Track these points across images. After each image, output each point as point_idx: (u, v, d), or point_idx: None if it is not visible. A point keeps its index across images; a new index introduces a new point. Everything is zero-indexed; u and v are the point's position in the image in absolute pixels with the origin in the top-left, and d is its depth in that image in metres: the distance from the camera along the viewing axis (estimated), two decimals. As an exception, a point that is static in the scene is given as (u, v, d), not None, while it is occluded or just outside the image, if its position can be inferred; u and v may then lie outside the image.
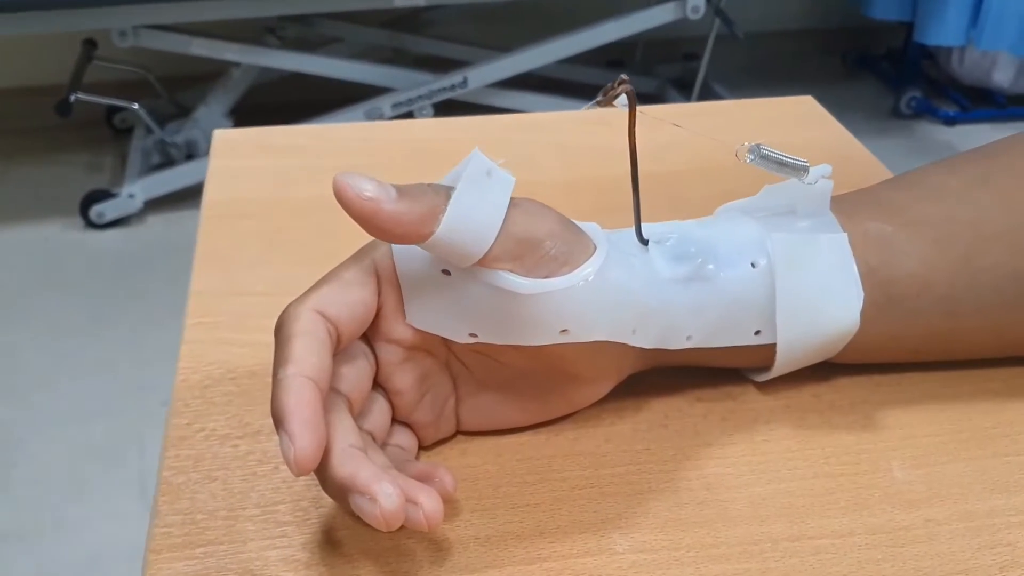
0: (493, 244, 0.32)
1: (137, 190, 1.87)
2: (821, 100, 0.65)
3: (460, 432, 0.38)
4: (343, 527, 0.34)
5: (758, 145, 0.36)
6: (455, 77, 1.92)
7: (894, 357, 0.41)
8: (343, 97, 1.92)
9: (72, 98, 1.83)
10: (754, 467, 0.37)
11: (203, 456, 0.37)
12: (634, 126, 0.34)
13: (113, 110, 2.13)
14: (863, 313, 0.37)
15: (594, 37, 1.93)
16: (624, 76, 0.32)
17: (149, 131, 1.96)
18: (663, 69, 2.29)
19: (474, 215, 0.32)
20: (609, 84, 0.32)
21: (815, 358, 0.39)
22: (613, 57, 2.27)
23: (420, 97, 1.91)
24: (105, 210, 1.86)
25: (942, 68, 2.34)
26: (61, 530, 1.26)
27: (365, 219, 0.31)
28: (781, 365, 0.38)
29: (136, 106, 1.92)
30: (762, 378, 0.40)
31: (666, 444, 0.38)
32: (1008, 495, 0.36)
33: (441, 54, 2.11)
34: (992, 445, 0.38)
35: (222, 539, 0.34)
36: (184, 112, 2.03)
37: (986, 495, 0.36)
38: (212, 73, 2.00)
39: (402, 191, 0.31)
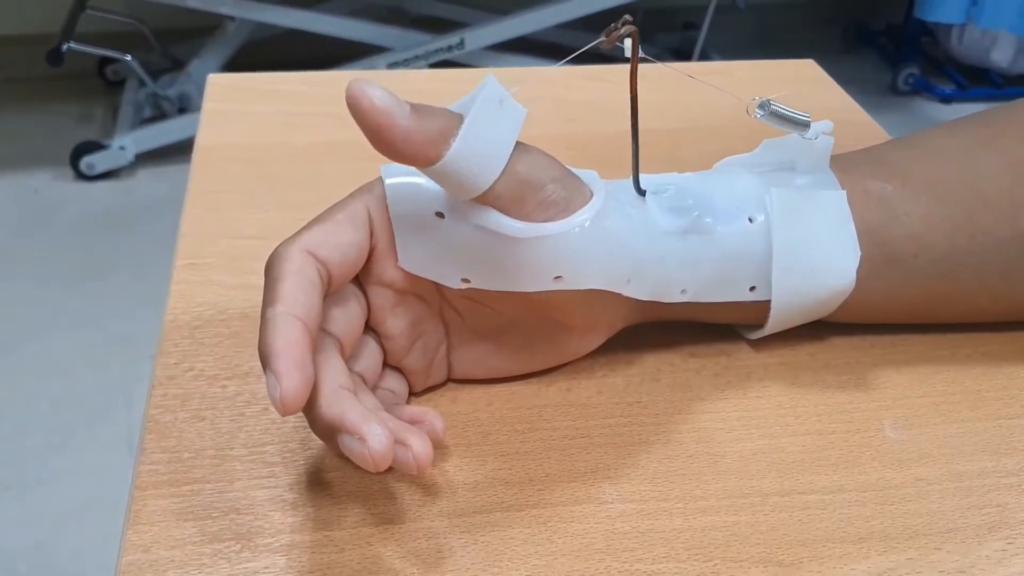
0: (498, 179, 0.31)
1: (128, 142, 1.85)
2: (820, 72, 0.64)
3: (451, 380, 0.38)
4: (331, 468, 0.34)
5: (768, 101, 0.36)
6: (452, 38, 1.90)
7: (890, 318, 0.41)
8: (338, 55, 1.89)
9: (64, 48, 1.80)
10: (745, 422, 0.37)
11: (191, 396, 0.37)
12: (636, 69, 0.33)
13: (106, 61, 2.10)
14: (860, 272, 0.37)
15: (594, 2, 1.91)
16: (628, 16, 0.32)
17: (142, 84, 1.94)
18: (662, 38, 2.27)
19: (484, 144, 0.31)
20: (613, 24, 0.32)
21: (810, 316, 0.39)
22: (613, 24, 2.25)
23: (416, 58, 1.89)
24: (96, 162, 1.85)
25: (941, 45, 2.32)
26: (46, 481, 1.26)
27: (376, 132, 0.29)
28: (775, 322, 0.38)
29: (129, 58, 1.89)
30: (756, 335, 0.39)
31: (658, 397, 0.38)
32: (999, 457, 0.35)
33: (439, 15, 2.09)
34: (985, 407, 0.38)
35: (209, 478, 0.34)
36: (177, 65, 2.00)
37: (977, 456, 0.35)
38: (207, 27, 1.98)
39: (416, 108, 0.30)
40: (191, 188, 0.49)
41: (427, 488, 0.33)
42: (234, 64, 1.96)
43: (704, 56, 2.06)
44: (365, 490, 0.33)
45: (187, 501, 0.33)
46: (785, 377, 0.39)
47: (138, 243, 1.69)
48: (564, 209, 0.33)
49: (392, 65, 1.89)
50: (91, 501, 1.22)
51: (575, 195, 0.33)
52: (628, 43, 0.32)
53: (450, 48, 1.89)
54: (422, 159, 0.30)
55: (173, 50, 2.06)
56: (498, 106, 0.31)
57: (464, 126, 0.30)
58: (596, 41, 0.33)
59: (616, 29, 0.32)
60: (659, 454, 0.35)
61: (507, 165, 0.31)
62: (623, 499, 0.33)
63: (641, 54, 0.33)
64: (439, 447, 0.35)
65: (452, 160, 0.30)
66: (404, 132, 0.29)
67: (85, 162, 1.84)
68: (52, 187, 1.86)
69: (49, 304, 1.56)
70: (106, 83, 2.14)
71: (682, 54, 2.19)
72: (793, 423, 0.37)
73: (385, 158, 0.31)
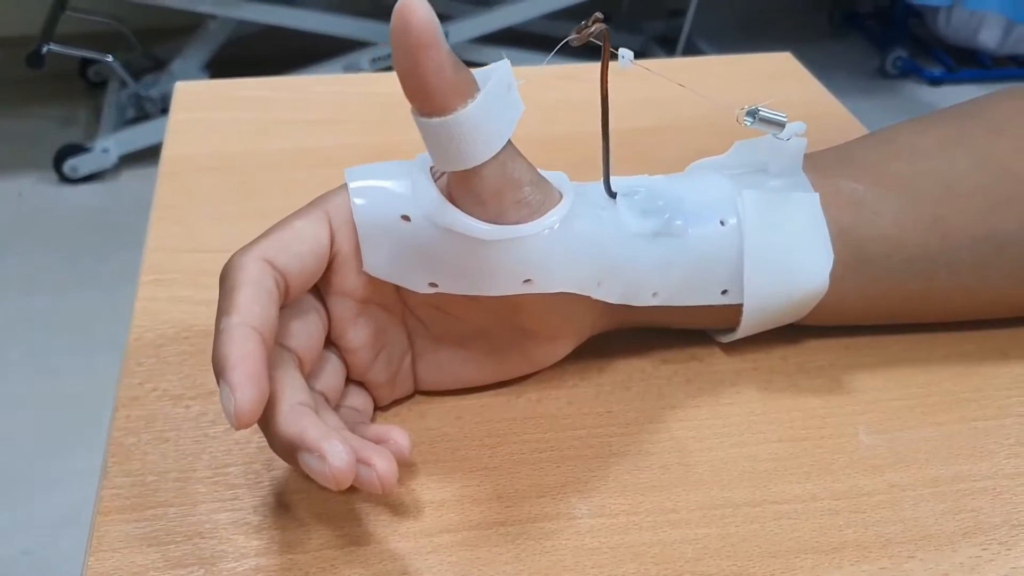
0: (489, 161, 0.30)
1: (111, 144, 1.84)
2: (806, 58, 0.63)
3: (419, 392, 0.37)
4: (295, 490, 0.33)
5: (757, 108, 0.35)
6: (436, 32, 1.88)
7: (865, 319, 0.40)
8: (321, 51, 1.88)
9: (44, 50, 1.78)
10: (717, 430, 0.36)
11: (155, 417, 0.36)
12: (606, 68, 0.32)
13: (87, 62, 2.09)
14: (833, 274, 0.36)
15: (578, -9, 1.90)
16: (599, 14, 0.31)
17: (124, 84, 1.93)
18: (648, 26, 2.26)
19: (493, 118, 0.30)
20: (583, 22, 0.31)
21: (783, 320, 0.38)
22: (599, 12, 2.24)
23: (400, 52, 1.87)
24: (79, 164, 1.83)
25: (929, 28, 2.31)
26: (37, 488, 1.25)
27: (418, 49, 0.28)
28: (748, 326, 0.37)
29: (110, 59, 1.88)
30: (728, 339, 0.39)
31: (629, 407, 0.37)
32: (974, 461, 0.35)
33: (422, 8, 2.07)
34: (960, 409, 0.37)
35: (172, 501, 0.33)
36: (159, 65, 1.99)
37: (952, 460, 0.35)
38: (188, 26, 1.96)
39: (452, 52, 0.29)
40: (156, 201, 0.48)
41: (393, 508, 0.33)
42: (216, 62, 1.94)
43: (690, 43, 2.05)
44: (330, 511, 0.33)
45: (150, 526, 0.32)
46: (758, 382, 0.38)
47: (124, 245, 1.68)
48: (535, 211, 0.32)
49: (376, 60, 1.88)
50: (82, 507, 1.21)
51: (546, 198, 0.33)
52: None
53: (434, 42, 1.87)
54: (442, 101, 0.29)
55: (154, 50, 2.05)
56: (507, 90, 0.31)
57: (483, 92, 0.30)
58: (566, 39, 0.32)
59: (586, 26, 0.31)
60: (630, 465, 0.35)
61: (500, 152, 0.31)
62: (593, 514, 0.33)
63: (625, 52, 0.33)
64: (406, 465, 0.34)
65: (465, 117, 0.29)
66: (440, 63, 0.28)
67: (68, 165, 1.83)
68: (36, 191, 1.84)
69: (36, 308, 1.55)
70: (88, 84, 2.12)
71: (668, 41, 2.18)
72: (766, 429, 0.36)
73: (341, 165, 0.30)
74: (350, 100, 0.58)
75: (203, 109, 0.56)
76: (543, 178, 0.33)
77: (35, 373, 1.43)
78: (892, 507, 0.33)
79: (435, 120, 0.29)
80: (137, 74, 1.94)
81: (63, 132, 1.98)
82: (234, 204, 0.48)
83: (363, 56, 1.88)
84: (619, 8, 2.28)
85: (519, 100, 0.31)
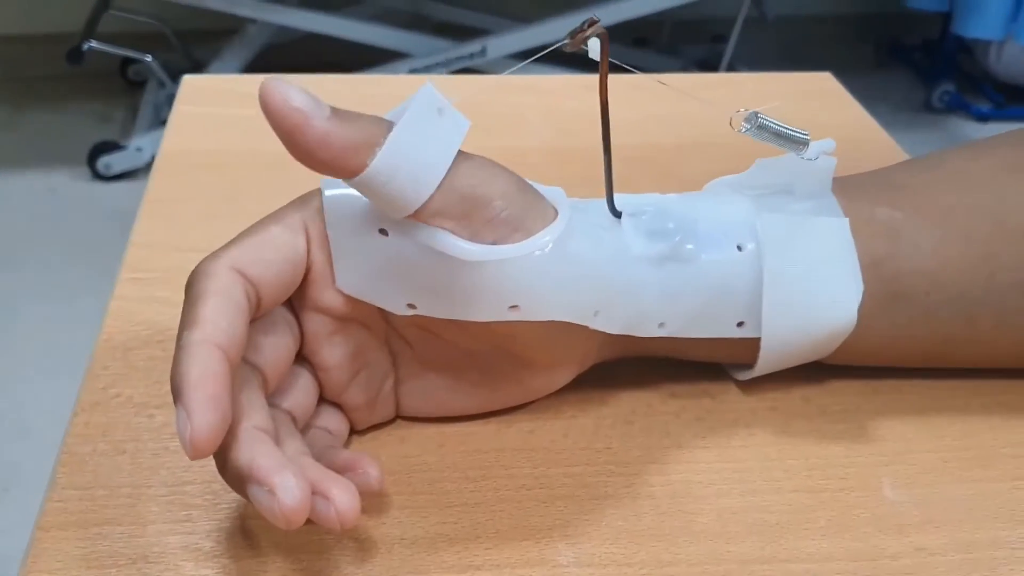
0: (434, 194, 0.28)
1: (146, 143, 1.84)
2: (849, 88, 0.60)
3: (400, 417, 0.34)
4: (255, 515, 0.30)
5: (755, 113, 0.32)
6: (474, 46, 1.86)
7: (898, 361, 0.36)
8: (359, 61, 1.87)
9: (85, 47, 1.79)
10: (727, 476, 0.33)
11: (115, 425, 0.34)
12: (605, 75, 0.29)
13: (128, 62, 2.10)
14: (862, 310, 0.33)
15: (619, 12, 1.86)
16: (595, 17, 0.28)
17: (162, 85, 1.93)
18: (689, 50, 2.23)
19: (416, 155, 0.27)
20: (579, 26, 0.28)
21: (805, 357, 0.35)
22: (639, 35, 2.21)
23: (437, 65, 1.86)
24: (112, 162, 1.83)
25: (978, 62, 2.26)
26: (45, 483, 1.24)
27: (289, 134, 0.26)
28: (765, 363, 0.34)
29: (149, 58, 1.88)
30: (745, 376, 0.35)
31: (631, 443, 0.34)
32: (1013, 525, 0.31)
33: (461, 22, 2.06)
34: (999, 466, 0.33)
35: (120, 519, 0.30)
36: (198, 67, 1.99)
37: (988, 523, 0.31)
38: (228, 29, 1.96)
39: (337, 112, 0.27)
40: (148, 195, 0.46)
41: (360, 543, 0.30)
42: (254, 67, 1.94)
43: (731, 69, 2.01)
44: (290, 542, 0.29)
45: (92, 546, 0.29)
46: (775, 424, 0.35)
47: (150, 245, 1.67)
48: (517, 228, 0.29)
49: (413, 71, 1.87)
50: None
51: (530, 213, 0.29)
52: (596, 46, 0.28)
53: (472, 56, 1.86)
54: (342, 168, 0.27)
55: (195, 52, 2.05)
56: (436, 115, 0.28)
57: (392, 134, 0.27)
58: (557, 44, 0.29)
59: (582, 30, 0.28)
60: (626, 510, 0.31)
61: (445, 179, 0.28)
62: (580, 562, 0.29)
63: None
64: (377, 496, 0.31)
65: (377, 171, 0.27)
66: (321, 136, 0.26)
67: (102, 162, 1.83)
68: (69, 187, 1.85)
69: (61, 303, 1.54)
70: (128, 83, 2.13)
71: (708, 66, 2.14)
72: (781, 477, 0.33)
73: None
74: (363, 101, 0.55)
75: (208, 104, 0.54)
76: (523, 189, 0.30)
77: (55, 368, 1.42)
78: (918, 573, 0.29)
79: (353, 181, 0.27)
80: (176, 75, 1.94)
81: (99, 129, 1.98)
82: (227, 203, 0.46)
83: (401, 67, 1.87)
84: (660, 31, 2.25)
85: (459, 119, 0.28)
